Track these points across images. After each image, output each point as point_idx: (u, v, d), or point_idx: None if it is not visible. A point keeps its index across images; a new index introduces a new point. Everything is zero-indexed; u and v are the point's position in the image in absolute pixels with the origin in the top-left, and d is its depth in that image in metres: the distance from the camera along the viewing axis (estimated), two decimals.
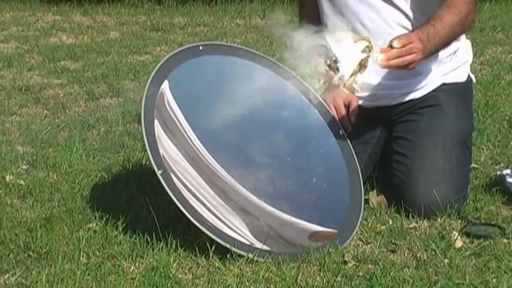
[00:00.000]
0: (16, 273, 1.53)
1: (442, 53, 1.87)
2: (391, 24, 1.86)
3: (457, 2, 1.77)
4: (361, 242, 1.69)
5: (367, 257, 1.59)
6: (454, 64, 1.94)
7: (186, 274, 1.54)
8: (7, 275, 1.54)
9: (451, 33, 1.79)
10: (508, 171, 1.91)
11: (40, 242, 1.66)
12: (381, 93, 1.91)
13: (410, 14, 1.86)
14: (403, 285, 1.45)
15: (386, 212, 1.82)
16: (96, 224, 1.77)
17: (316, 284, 1.48)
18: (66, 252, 1.61)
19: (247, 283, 1.48)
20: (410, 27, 1.85)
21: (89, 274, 1.52)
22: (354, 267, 1.55)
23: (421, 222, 1.76)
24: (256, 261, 1.55)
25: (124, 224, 1.73)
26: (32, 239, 1.67)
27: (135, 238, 1.67)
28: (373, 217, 1.80)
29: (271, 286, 1.48)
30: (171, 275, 1.51)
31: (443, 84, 1.91)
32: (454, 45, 1.89)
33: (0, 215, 1.82)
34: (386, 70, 1.80)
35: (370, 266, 1.56)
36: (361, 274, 1.51)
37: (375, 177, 1.95)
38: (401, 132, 1.90)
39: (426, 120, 1.88)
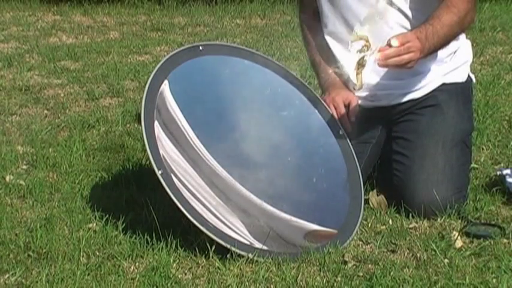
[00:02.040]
0: (16, 273, 1.53)
1: (442, 53, 1.86)
2: (391, 25, 1.86)
3: (456, 1, 1.77)
4: (361, 242, 1.68)
5: (367, 257, 1.58)
6: (454, 64, 1.93)
7: (186, 274, 1.54)
8: (7, 275, 1.53)
9: (450, 33, 1.78)
10: (508, 171, 1.91)
11: (40, 242, 1.65)
12: (380, 93, 1.91)
13: (410, 14, 1.86)
14: (403, 285, 1.45)
15: (386, 212, 1.82)
16: (96, 224, 1.77)
17: (316, 284, 1.48)
18: (66, 252, 1.61)
19: (247, 283, 1.48)
20: (409, 27, 1.85)
21: (89, 274, 1.52)
22: (354, 267, 1.55)
23: (421, 222, 1.75)
24: (256, 261, 1.55)
25: (124, 224, 1.73)
26: (32, 239, 1.67)
27: (135, 238, 1.67)
28: (373, 217, 1.79)
29: (271, 286, 1.48)
30: (171, 275, 1.51)
31: (443, 84, 1.91)
32: (454, 45, 1.89)
33: (0, 215, 1.82)
34: (385, 70, 1.80)
35: (370, 266, 1.56)
36: (361, 274, 1.51)
37: (375, 177, 1.95)
38: (401, 132, 1.90)
39: (426, 120, 1.87)
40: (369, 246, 1.67)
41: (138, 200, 1.89)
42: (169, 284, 1.48)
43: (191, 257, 1.59)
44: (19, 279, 1.51)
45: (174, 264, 1.56)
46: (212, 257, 1.56)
